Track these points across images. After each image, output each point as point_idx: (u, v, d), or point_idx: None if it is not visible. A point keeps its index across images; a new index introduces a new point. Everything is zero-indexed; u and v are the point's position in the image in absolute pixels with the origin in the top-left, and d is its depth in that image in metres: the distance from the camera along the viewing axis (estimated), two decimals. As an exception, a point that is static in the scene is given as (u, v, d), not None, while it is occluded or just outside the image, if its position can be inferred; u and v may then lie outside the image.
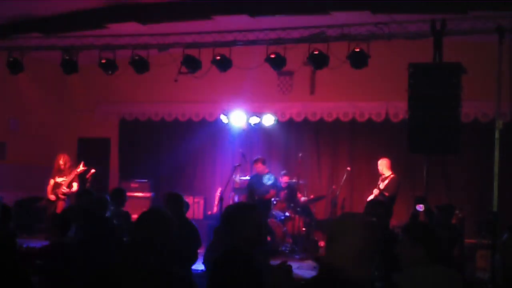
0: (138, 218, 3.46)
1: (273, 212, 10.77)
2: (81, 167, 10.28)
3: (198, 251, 6.67)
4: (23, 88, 12.09)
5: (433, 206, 7.75)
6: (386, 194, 9.68)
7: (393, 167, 10.07)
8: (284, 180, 11.05)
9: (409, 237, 4.10)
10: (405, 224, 4.46)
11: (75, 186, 10.30)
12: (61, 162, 10.39)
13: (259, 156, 10.79)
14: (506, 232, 4.18)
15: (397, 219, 10.43)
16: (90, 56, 10.22)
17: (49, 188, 10.26)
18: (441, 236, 4.71)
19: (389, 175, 9.82)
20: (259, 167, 10.52)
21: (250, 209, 3.86)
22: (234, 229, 3.75)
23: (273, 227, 10.37)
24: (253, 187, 10.46)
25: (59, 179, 10.29)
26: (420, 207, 7.46)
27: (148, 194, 12.14)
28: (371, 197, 9.80)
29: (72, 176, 10.26)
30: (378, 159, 10.13)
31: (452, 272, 4.05)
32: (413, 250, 4.01)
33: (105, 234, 6.39)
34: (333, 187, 10.81)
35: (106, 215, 6.80)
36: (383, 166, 9.91)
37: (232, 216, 3.82)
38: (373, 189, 9.81)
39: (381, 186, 9.72)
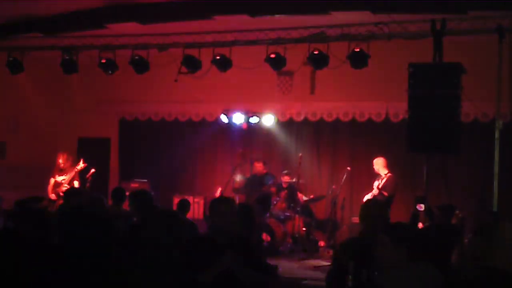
0: (151, 220, 3.52)
1: (273, 212, 10.77)
2: (81, 164, 10.28)
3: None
4: (23, 88, 12.09)
5: (433, 206, 7.75)
6: (385, 193, 9.70)
7: (392, 167, 10.09)
8: (285, 179, 11.05)
9: (391, 239, 4.11)
10: (386, 226, 4.46)
11: (76, 184, 10.30)
12: (61, 161, 10.40)
13: (260, 158, 10.79)
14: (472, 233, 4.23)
15: (398, 219, 10.45)
16: (90, 56, 10.23)
17: (50, 187, 10.26)
18: (441, 236, 4.72)
19: (386, 174, 9.84)
20: (259, 167, 10.49)
21: (218, 202, 4.45)
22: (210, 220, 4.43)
23: (273, 227, 10.37)
24: (250, 187, 10.42)
25: (59, 178, 10.29)
26: (421, 207, 7.46)
27: (148, 194, 12.12)
28: (367, 197, 9.82)
29: (72, 174, 10.27)
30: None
31: (431, 267, 4.06)
32: (395, 251, 4.03)
33: (96, 234, 6.40)
34: (333, 187, 10.81)
35: (99, 213, 6.81)
36: (379, 165, 9.94)
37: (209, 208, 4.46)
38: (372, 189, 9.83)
39: (379, 185, 9.76)
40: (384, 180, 9.74)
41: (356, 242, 4.82)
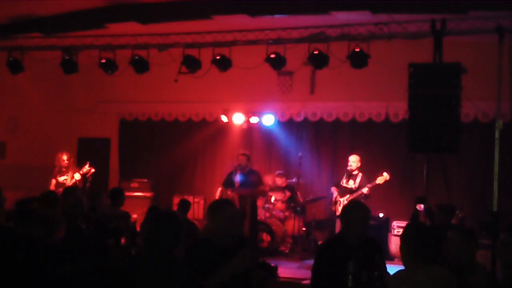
0: (148, 220, 3.50)
1: (273, 212, 10.78)
2: (86, 168, 10.21)
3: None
4: (23, 88, 12.08)
5: (434, 206, 7.75)
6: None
7: (392, 167, 10.14)
8: (278, 182, 11.05)
9: (404, 238, 4.12)
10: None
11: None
12: (63, 159, 10.35)
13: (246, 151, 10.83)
14: (504, 232, 4.17)
15: (398, 219, 10.46)
16: (90, 56, 10.22)
17: (51, 188, 10.23)
18: (442, 236, 4.72)
19: (358, 173, 9.97)
20: (242, 160, 10.50)
21: (218, 205, 4.36)
22: (208, 223, 4.33)
23: (273, 227, 10.38)
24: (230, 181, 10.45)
25: (61, 178, 10.27)
26: (420, 207, 7.45)
27: (148, 194, 12.16)
28: (334, 197, 9.93)
29: (74, 174, 10.23)
30: (373, 159, 10.24)
31: (446, 272, 4.05)
32: (409, 250, 4.02)
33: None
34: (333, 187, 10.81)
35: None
36: (356, 162, 10.01)
37: (207, 211, 4.37)
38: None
39: (353, 184, 9.92)
40: (359, 178, 9.87)
41: (338, 242, 4.80)
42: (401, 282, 3.96)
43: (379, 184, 9.74)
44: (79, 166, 10.35)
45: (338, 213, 10.03)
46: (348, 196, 9.90)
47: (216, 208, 4.32)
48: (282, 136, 12.09)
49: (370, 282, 4.19)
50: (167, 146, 12.78)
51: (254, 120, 11.58)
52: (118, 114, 13.31)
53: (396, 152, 10.79)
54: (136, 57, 9.84)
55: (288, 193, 11.01)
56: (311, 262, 9.63)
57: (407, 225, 4.59)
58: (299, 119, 11.95)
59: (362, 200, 9.57)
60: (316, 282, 4.70)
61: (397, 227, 10.33)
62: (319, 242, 10.94)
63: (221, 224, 4.21)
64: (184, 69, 9.66)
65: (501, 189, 6.98)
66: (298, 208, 10.66)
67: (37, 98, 12.62)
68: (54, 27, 10.08)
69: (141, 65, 9.89)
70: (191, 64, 9.60)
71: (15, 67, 10.38)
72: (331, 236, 9.79)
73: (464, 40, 8.90)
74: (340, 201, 9.99)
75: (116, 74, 10.12)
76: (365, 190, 9.75)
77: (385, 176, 9.70)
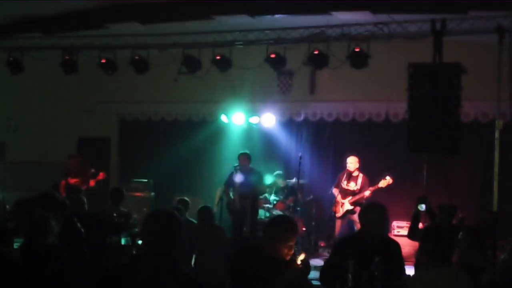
0: (147, 220, 3.46)
1: (273, 212, 10.77)
2: (100, 177, 10.35)
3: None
4: (23, 88, 12.07)
5: (435, 206, 7.74)
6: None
7: (392, 167, 10.12)
8: (279, 182, 11.03)
9: (421, 239, 4.11)
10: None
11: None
12: (75, 164, 10.43)
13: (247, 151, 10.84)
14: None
15: (398, 219, 10.46)
16: (90, 56, 10.22)
17: (61, 189, 10.23)
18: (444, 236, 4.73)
19: (359, 174, 9.97)
20: (241, 160, 10.48)
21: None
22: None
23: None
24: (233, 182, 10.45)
25: (72, 180, 10.29)
26: (422, 207, 7.45)
27: (148, 194, 12.15)
28: (360, 197, 9.88)
29: (86, 179, 10.30)
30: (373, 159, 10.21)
31: (461, 273, 4.04)
32: (424, 251, 4.02)
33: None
34: (333, 187, 10.80)
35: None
36: (354, 163, 9.99)
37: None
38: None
39: (354, 186, 9.88)
40: (361, 180, 9.84)
41: (356, 241, 4.83)
42: (416, 283, 3.95)
43: (381, 187, 9.71)
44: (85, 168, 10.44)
45: (338, 214, 10.03)
46: (350, 198, 9.89)
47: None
48: (282, 136, 12.08)
49: (370, 282, 4.19)
50: (167, 146, 12.77)
51: (254, 120, 11.58)
52: (118, 114, 13.31)
53: (396, 152, 10.78)
54: (136, 57, 9.84)
55: (287, 194, 11.00)
56: (311, 262, 9.65)
57: (424, 226, 4.61)
58: (299, 119, 11.95)
59: (363, 202, 9.56)
60: (325, 274, 4.75)
61: (397, 227, 10.32)
62: (320, 243, 10.97)
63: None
64: (184, 69, 9.66)
65: (501, 189, 7.00)
66: (298, 208, 10.65)
67: (37, 98, 12.62)
68: (54, 27, 10.07)
69: (141, 65, 9.89)
70: (191, 64, 9.60)
71: (15, 67, 10.38)
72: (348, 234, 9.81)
73: (464, 40, 8.89)
74: (341, 203, 9.98)
75: (116, 74, 10.12)
76: (367, 193, 9.75)
77: (388, 180, 9.66)
